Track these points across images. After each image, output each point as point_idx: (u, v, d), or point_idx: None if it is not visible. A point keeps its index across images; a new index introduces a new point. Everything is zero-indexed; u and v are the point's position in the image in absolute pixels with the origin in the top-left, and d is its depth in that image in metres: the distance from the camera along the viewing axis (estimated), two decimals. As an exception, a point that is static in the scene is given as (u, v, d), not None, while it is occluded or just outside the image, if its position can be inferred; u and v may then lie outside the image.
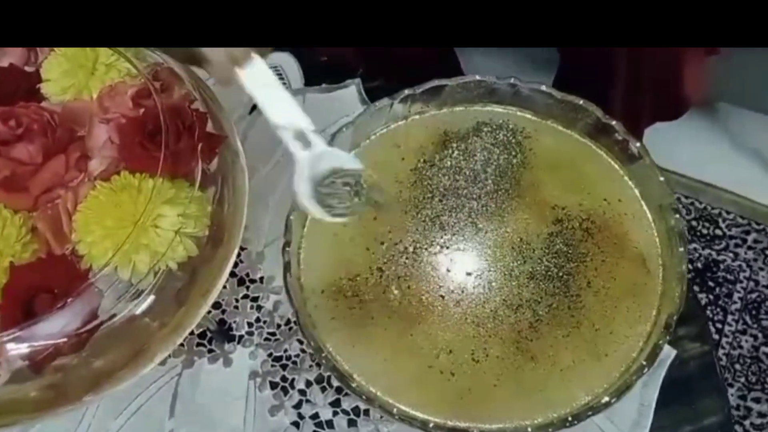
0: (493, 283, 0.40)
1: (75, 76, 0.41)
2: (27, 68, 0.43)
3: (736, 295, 1.12)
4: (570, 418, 0.36)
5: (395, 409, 0.37)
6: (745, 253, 1.15)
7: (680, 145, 1.16)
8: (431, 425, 0.36)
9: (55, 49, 0.42)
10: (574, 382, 0.39)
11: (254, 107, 0.64)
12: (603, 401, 0.37)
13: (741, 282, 1.13)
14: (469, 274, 0.41)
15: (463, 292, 0.40)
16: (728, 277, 1.13)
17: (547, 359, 0.39)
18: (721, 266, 1.14)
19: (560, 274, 0.40)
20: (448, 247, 0.42)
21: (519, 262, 0.41)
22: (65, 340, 0.34)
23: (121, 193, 0.36)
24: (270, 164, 0.61)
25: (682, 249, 0.39)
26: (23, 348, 0.33)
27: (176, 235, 0.36)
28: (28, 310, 0.34)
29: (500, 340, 0.40)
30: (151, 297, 0.37)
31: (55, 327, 0.33)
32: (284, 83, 0.65)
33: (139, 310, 0.37)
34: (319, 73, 0.65)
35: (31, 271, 0.35)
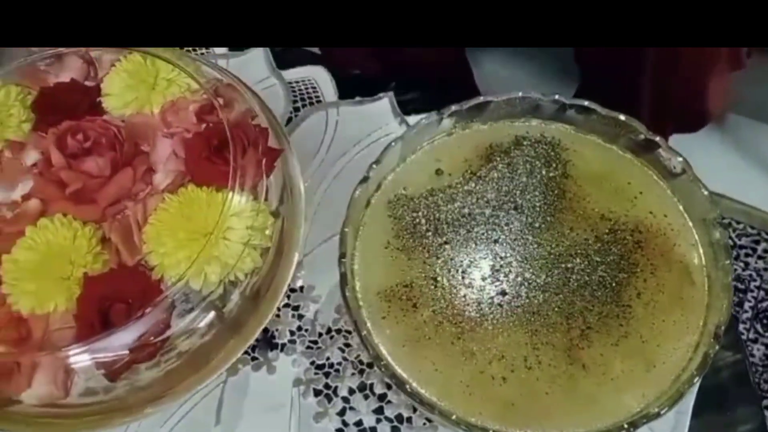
0: (549, 292, 0.42)
1: (137, 90, 0.42)
2: (87, 83, 0.45)
3: (747, 304, 1.14)
4: (626, 425, 0.37)
5: (454, 416, 0.38)
6: (756, 263, 1.17)
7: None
8: (490, 431, 0.37)
9: (116, 64, 0.43)
10: (625, 392, 0.40)
11: (290, 119, 0.65)
12: (655, 410, 0.38)
13: (752, 291, 1.15)
14: (524, 283, 0.42)
15: (518, 300, 0.42)
16: (739, 286, 1.15)
17: (598, 368, 0.40)
18: (732, 276, 1.16)
19: (613, 283, 0.42)
20: (503, 257, 0.43)
21: (576, 271, 0.42)
22: (141, 348, 0.35)
23: (190, 206, 0.37)
24: (306, 176, 0.62)
25: (728, 262, 0.40)
26: (101, 356, 0.34)
27: (245, 248, 0.37)
28: (105, 320, 0.35)
29: (552, 347, 0.41)
30: (212, 312, 0.38)
31: (132, 336, 0.34)
32: (318, 97, 0.66)
33: (203, 323, 0.38)
34: (353, 87, 0.66)
35: (104, 282, 0.36)
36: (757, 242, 1.19)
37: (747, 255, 1.18)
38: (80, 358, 0.34)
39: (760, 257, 1.18)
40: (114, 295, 0.35)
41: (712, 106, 0.79)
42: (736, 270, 1.17)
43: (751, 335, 1.12)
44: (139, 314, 0.34)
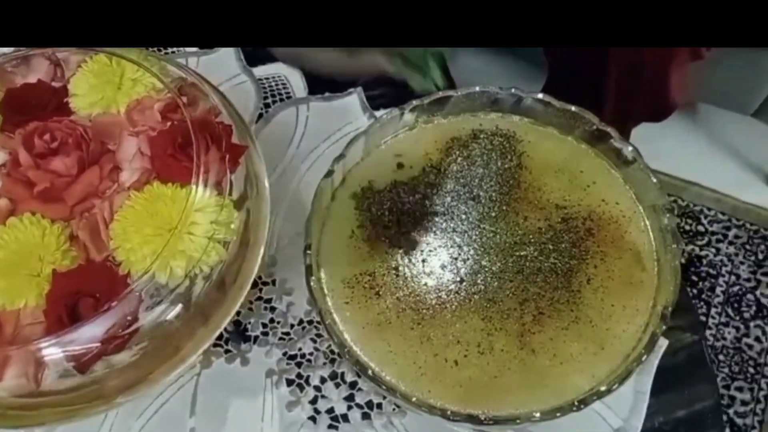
0: (503, 279, 0.43)
1: (103, 90, 0.43)
2: (54, 84, 0.46)
3: (718, 289, 1.17)
4: (576, 402, 0.39)
5: (414, 398, 0.40)
6: (727, 248, 1.20)
7: (662, 145, 1.20)
8: (448, 413, 0.39)
9: (83, 65, 0.44)
10: (574, 374, 0.41)
11: (260, 116, 0.66)
12: (604, 388, 0.40)
13: (723, 276, 1.18)
14: (481, 272, 0.44)
15: (474, 287, 0.43)
16: (711, 271, 1.18)
17: (548, 352, 0.42)
18: (704, 261, 1.19)
19: (564, 269, 0.43)
20: (461, 246, 0.44)
21: (529, 259, 0.44)
22: (109, 341, 0.36)
23: (155, 203, 0.38)
24: (277, 172, 0.63)
25: (675, 246, 0.42)
26: (70, 350, 0.35)
27: (209, 242, 0.38)
28: (73, 314, 0.36)
29: (505, 332, 0.42)
30: (180, 304, 0.39)
31: (101, 329, 0.35)
32: (288, 93, 0.68)
33: (170, 315, 0.39)
34: (322, 83, 0.67)
35: (72, 277, 0.37)
36: (728, 228, 1.22)
37: (718, 241, 1.21)
38: (50, 351, 0.35)
39: (730, 243, 1.21)
40: (82, 290, 0.36)
41: (676, 96, 0.81)
42: (707, 256, 1.20)
43: (723, 319, 1.15)
44: (106, 308, 0.35)
